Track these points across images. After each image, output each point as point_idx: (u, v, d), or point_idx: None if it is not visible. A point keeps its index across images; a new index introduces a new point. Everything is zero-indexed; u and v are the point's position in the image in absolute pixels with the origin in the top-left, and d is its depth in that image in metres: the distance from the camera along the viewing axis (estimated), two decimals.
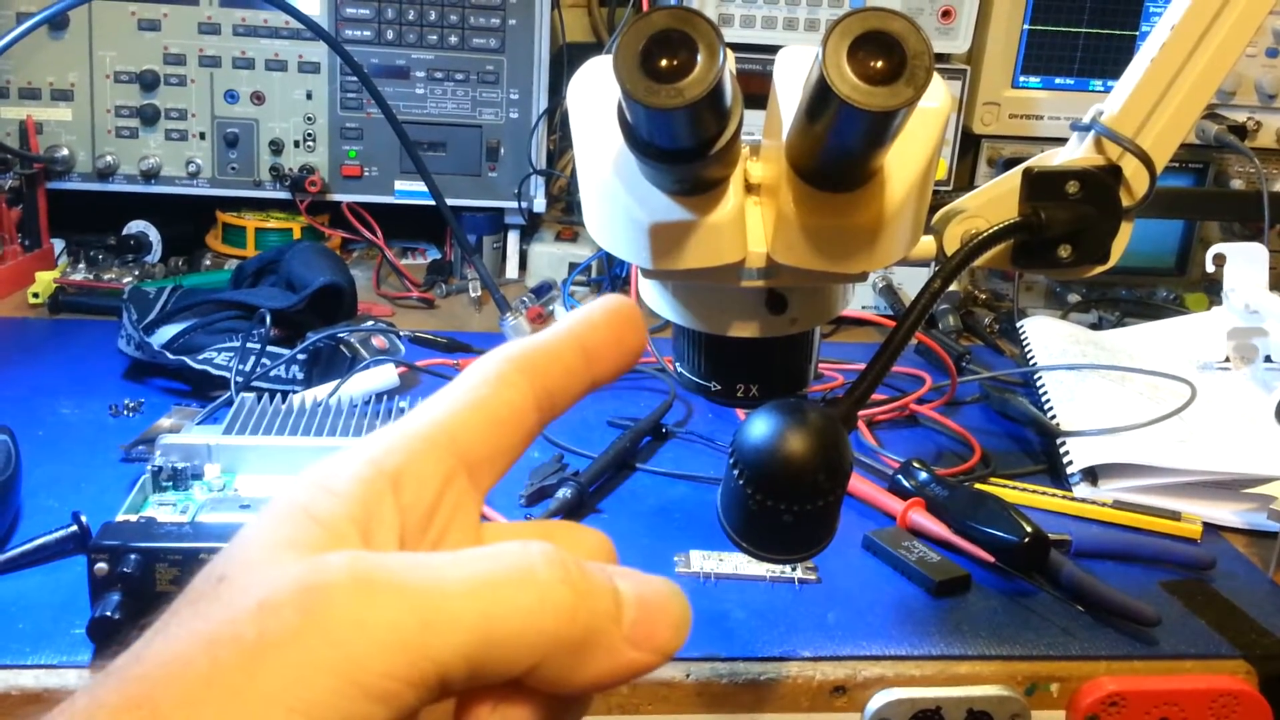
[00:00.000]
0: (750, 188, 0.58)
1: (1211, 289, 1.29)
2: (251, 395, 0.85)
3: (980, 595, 0.75)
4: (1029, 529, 0.76)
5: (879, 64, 0.46)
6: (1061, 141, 0.67)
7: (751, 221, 0.56)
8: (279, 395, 0.85)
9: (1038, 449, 0.97)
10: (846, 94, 0.46)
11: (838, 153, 0.51)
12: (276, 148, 1.28)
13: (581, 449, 0.91)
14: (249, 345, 0.93)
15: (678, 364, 0.65)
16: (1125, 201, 0.63)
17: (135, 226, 1.29)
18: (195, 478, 0.76)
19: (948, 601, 0.74)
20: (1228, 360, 1.08)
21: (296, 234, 1.29)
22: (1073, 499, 0.87)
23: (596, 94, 0.57)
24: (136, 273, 1.24)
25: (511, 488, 0.85)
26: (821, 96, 0.47)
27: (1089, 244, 0.63)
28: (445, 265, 1.34)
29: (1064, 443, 0.92)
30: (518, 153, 1.33)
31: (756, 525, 0.54)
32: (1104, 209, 0.62)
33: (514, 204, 1.33)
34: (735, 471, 0.52)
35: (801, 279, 0.56)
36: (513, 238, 1.37)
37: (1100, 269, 0.64)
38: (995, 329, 1.26)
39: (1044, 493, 0.87)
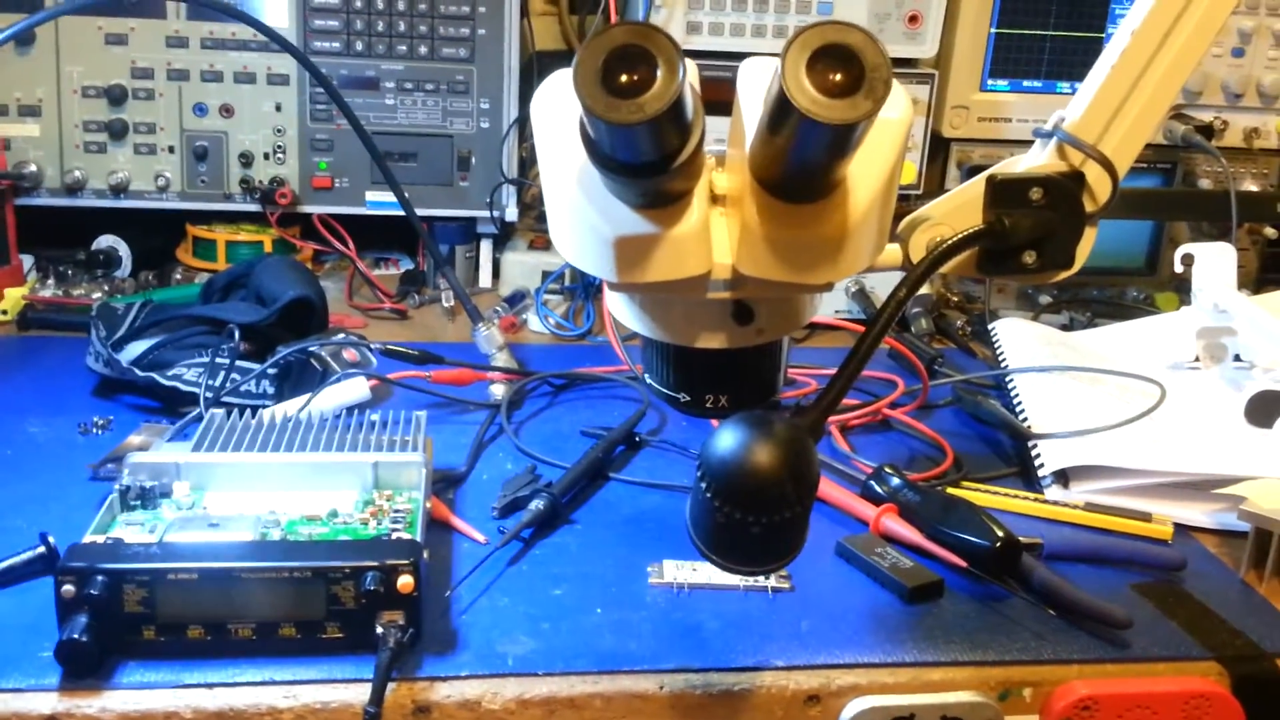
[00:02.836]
0: (715, 199, 0.58)
1: (1182, 288, 1.30)
2: (221, 412, 0.84)
3: (953, 601, 0.75)
4: (1000, 533, 0.76)
5: (837, 77, 0.46)
6: (1031, 145, 0.68)
7: (717, 233, 0.56)
8: (249, 411, 0.85)
9: (1010, 451, 0.97)
10: (805, 107, 0.46)
11: (799, 165, 0.51)
12: (246, 160, 1.28)
13: (554, 459, 0.91)
14: (218, 361, 0.93)
15: (647, 375, 0.65)
16: (1089, 207, 0.63)
17: (104, 241, 1.28)
18: (164, 496, 0.75)
19: (921, 608, 0.74)
20: (1198, 360, 1.09)
21: (267, 247, 1.29)
22: (1044, 501, 0.87)
23: (560, 108, 0.57)
24: (106, 288, 1.24)
25: (485, 499, 0.84)
26: (782, 109, 0.47)
27: (1053, 250, 0.64)
28: (418, 275, 1.34)
29: (1035, 445, 0.92)
30: (489, 162, 1.33)
31: (725, 538, 0.54)
32: (1067, 215, 0.63)
33: (486, 213, 1.33)
34: (703, 485, 0.52)
35: (767, 290, 0.56)
36: (485, 247, 1.36)
37: (1065, 274, 0.65)
38: (967, 331, 1.26)
39: (1016, 495, 0.88)
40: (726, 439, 0.52)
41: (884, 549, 0.78)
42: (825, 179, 0.52)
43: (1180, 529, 0.85)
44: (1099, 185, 0.63)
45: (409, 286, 1.31)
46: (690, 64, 0.59)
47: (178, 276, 1.27)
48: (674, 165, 0.50)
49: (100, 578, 0.62)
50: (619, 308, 0.62)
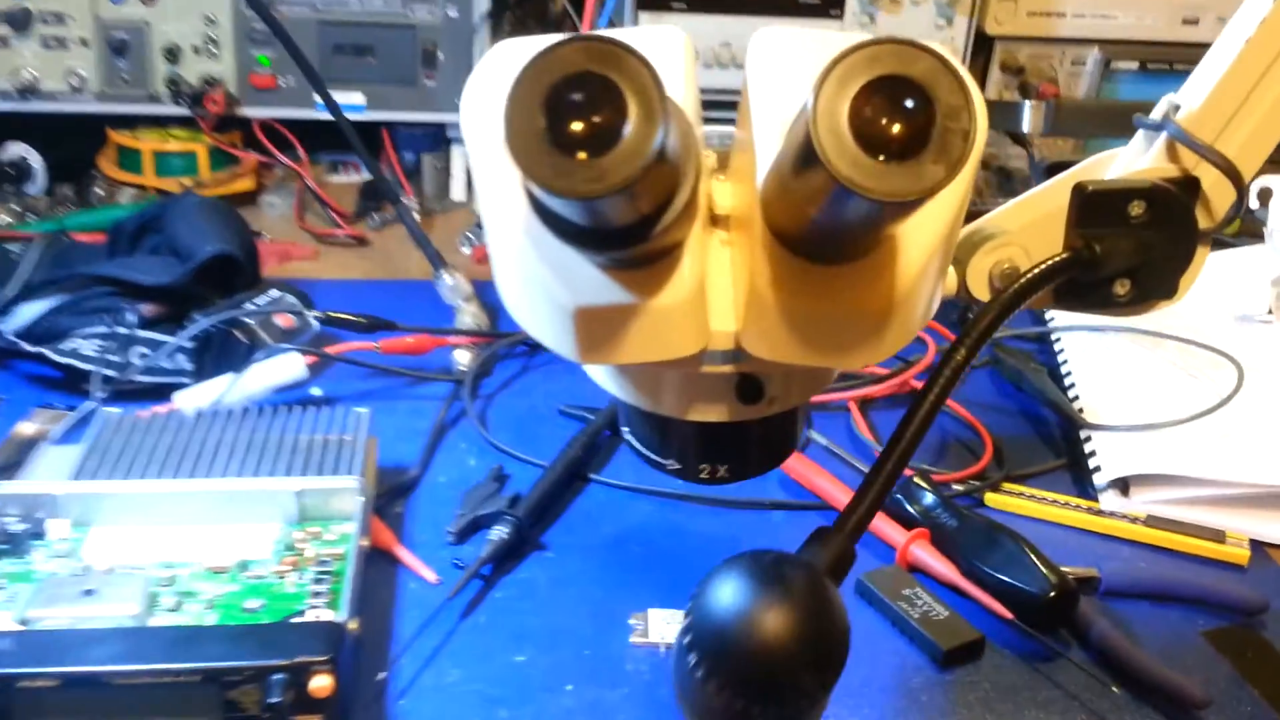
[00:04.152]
0: (715, 219, 0.42)
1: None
2: (116, 413, 0.70)
3: (993, 661, 0.62)
4: (1054, 580, 0.63)
5: (896, 127, 0.31)
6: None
7: (716, 285, 0.41)
8: (157, 402, 0.71)
9: (1056, 434, 0.84)
10: (846, 176, 0.30)
11: (830, 231, 0.36)
12: (172, 55, 1.10)
13: (527, 453, 0.77)
14: (119, 330, 0.78)
15: (625, 429, 0.51)
16: (1203, 223, 0.48)
17: (13, 150, 1.11)
18: (36, 538, 0.62)
19: (956, 672, 0.62)
20: (1270, 312, 0.94)
21: (202, 156, 1.12)
22: (1099, 513, 0.74)
23: (502, 99, 0.41)
24: (16, 206, 1.08)
25: (440, 513, 0.71)
26: (811, 166, 0.32)
27: (1154, 278, 0.48)
28: (380, 188, 1.17)
29: (1089, 437, 0.78)
30: (458, 58, 1.15)
31: None
32: (1176, 235, 0.48)
33: (456, 117, 1.16)
34: (691, 658, 0.39)
35: (784, 366, 0.42)
36: (458, 154, 1.19)
37: (1164, 305, 0.50)
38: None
39: (1066, 504, 0.74)
40: (723, 597, 0.38)
41: (913, 590, 0.65)
42: (865, 241, 0.37)
43: (1258, 548, 0.72)
44: (1217, 195, 0.48)
45: (369, 203, 1.15)
46: (688, 62, 0.43)
47: (99, 192, 1.11)
48: (655, 230, 0.35)
49: None
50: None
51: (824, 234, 0.36)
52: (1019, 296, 0.46)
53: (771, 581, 0.38)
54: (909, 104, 0.31)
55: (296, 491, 0.64)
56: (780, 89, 0.41)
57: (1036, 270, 0.46)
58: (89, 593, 0.57)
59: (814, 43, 0.43)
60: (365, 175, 1.22)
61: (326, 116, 1.10)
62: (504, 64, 0.43)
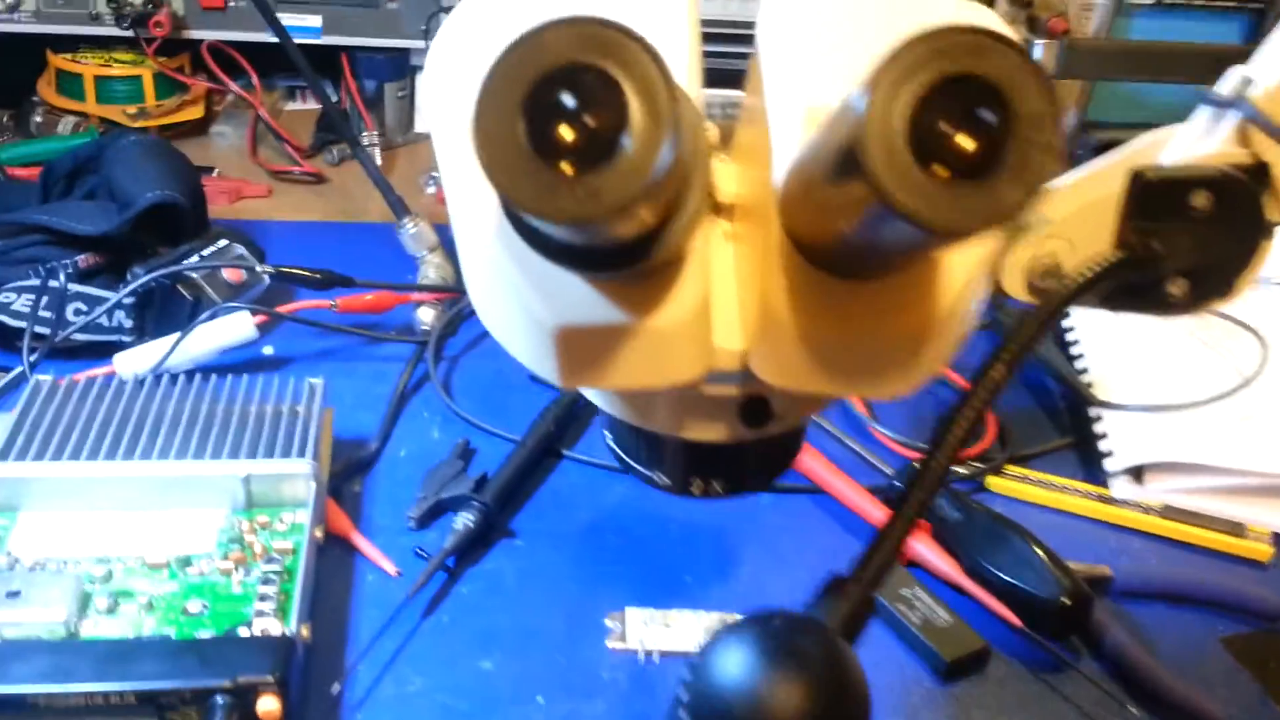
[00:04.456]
0: (718, 207, 0.36)
1: None
2: (48, 380, 0.64)
3: (999, 672, 0.58)
4: (1067, 585, 0.58)
5: (965, 141, 0.25)
6: None
7: (720, 289, 0.35)
8: (94, 370, 0.65)
9: (1061, 407, 0.79)
10: (901, 200, 0.24)
11: (866, 249, 0.30)
12: None
13: (494, 422, 0.72)
14: (53, 284, 0.71)
15: (608, 434, 0.45)
16: (1273, 215, 0.42)
17: None
18: None
19: (959, 685, 0.57)
20: None
21: (147, 82, 1.03)
22: (1110, 501, 0.69)
23: (474, 76, 0.34)
24: None
25: (401, 492, 0.65)
26: (851, 177, 0.26)
27: (1212, 277, 0.43)
28: (337, 119, 1.10)
29: (1099, 417, 0.73)
30: None
31: None
32: (1242, 230, 0.42)
33: (421, 43, 1.08)
34: None
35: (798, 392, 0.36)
36: (422, 82, 1.11)
37: (1219, 304, 0.44)
38: None
39: (1075, 490, 0.69)
40: (728, 671, 0.33)
41: (912, 591, 0.61)
42: (905, 260, 0.31)
43: None
44: None
45: (327, 135, 1.07)
46: (691, 15, 0.36)
47: (38, 119, 1.03)
48: (656, 249, 0.29)
49: None
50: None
51: (856, 250, 0.30)
52: (1066, 303, 0.40)
53: (782, 653, 0.32)
54: (983, 112, 0.25)
55: (243, 477, 0.58)
56: (802, 63, 0.35)
57: (1089, 273, 0.40)
58: (13, 595, 0.51)
59: (841, 5, 0.37)
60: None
61: (273, 39, 1.02)
62: (474, 24, 0.36)
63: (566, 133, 0.25)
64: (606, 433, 0.45)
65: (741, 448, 0.41)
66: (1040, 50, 0.95)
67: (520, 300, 0.33)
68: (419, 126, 1.12)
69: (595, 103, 0.24)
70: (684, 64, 0.35)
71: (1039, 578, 0.59)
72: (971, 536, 0.62)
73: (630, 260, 0.29)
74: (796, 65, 0.34)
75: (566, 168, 0.25)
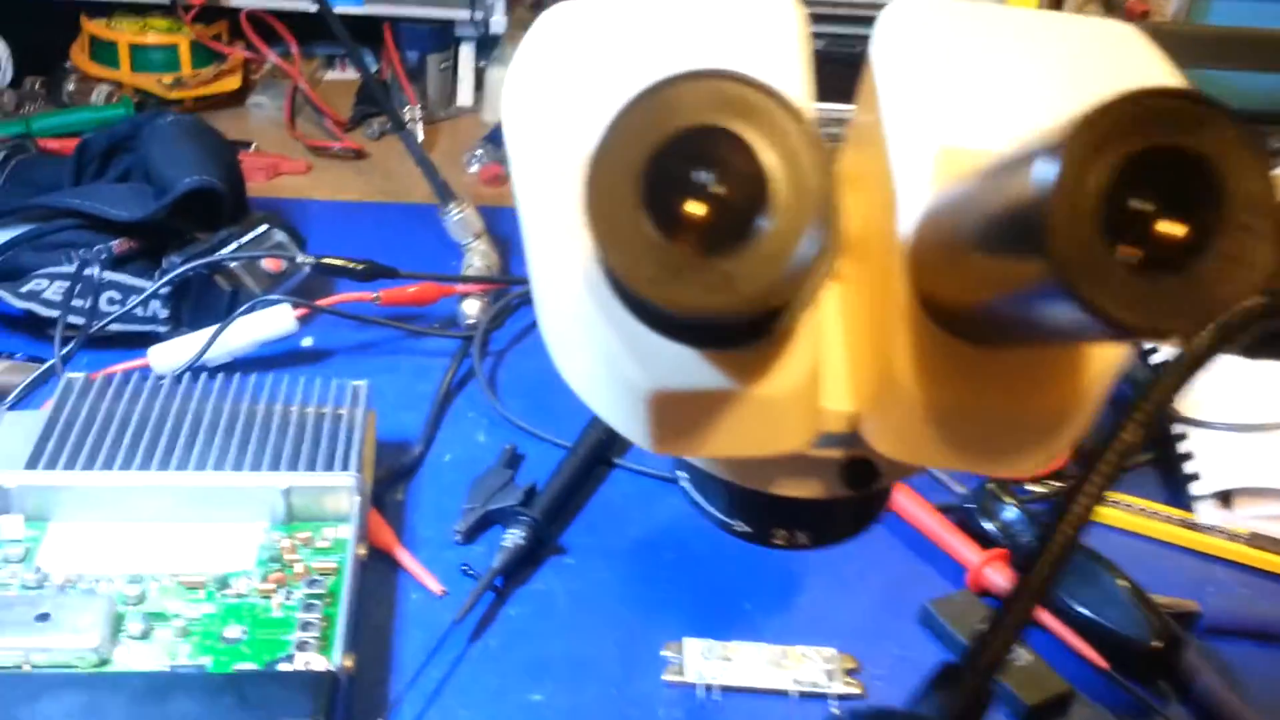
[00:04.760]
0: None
1: None
2: (80, 377, 0.61)
3: (1081, 715, 0.55)
4: (1157, 625, 0.55)
5: (1172, 229, 0.21)
6: None
7: (828, 342, 0.31)
8: (128, 362, 0.62)
9: None
10: (1095, 299, 0.21)
11: (1019, 324, 0.26)
12: None
13: (541, 423, 0.68)
14: (88, 272, 0.68)
15: (681, 476, 0.42)
16: None
17: None
18: None
19: None
20: None
21: (183, 50, 1.00)
22: (1195, 527, 0.65)
23: (566, 101, 0.30)
24: None
25: (446, 499, 0.62)
26: (1020, 252, 0.22)
27: None
28: (381, 95, 1.06)
29: (1184, 435, 0.69)
30: None
31: None
32: None
33: (466, 13, 1.03)
34: None
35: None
36: (465, 54, 1.07)
37: None
38: None
39: (1157, 514, 0.66)
40: None
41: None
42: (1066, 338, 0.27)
43: None
44: None
45: (367, 109, 1.03)
46: (803, 46, 0.32)
47: (71, 88, 0.99)
48: (780, 324, 0.25)
49: None
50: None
51: (1004, 323, 0.26)
52: (1205, 357, 0.36)
53: None
54: (1187, 191, 0.21)
55: (284, 490, 0.55)
56: (931, 93, 0.31)
57: (1231, 317, 0.36)
58: (43, 618, 0.48)
59: (978, 25, 0.33)
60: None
61: (313, 8, 0.98)
62: (559, 41, 0.32)
63: (696, 208, 0.21)
64: (680, 473, 0.42)
65: (834, 504, 0.38)
66: None
67: (609, 358, 0.29)
68: (461, 99, 1.08)
69: (731, 174, 0.21)
70: (800, 89, 0.31)
71: (1125, 616, 0.56)
72: None
73: (748, 339, 0.25)
74: (925, 94, 0.30)
75: (693, 248, 0.21)
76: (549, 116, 0.31)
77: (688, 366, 0.29)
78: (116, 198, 0.70)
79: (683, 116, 0.21)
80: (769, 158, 0.21)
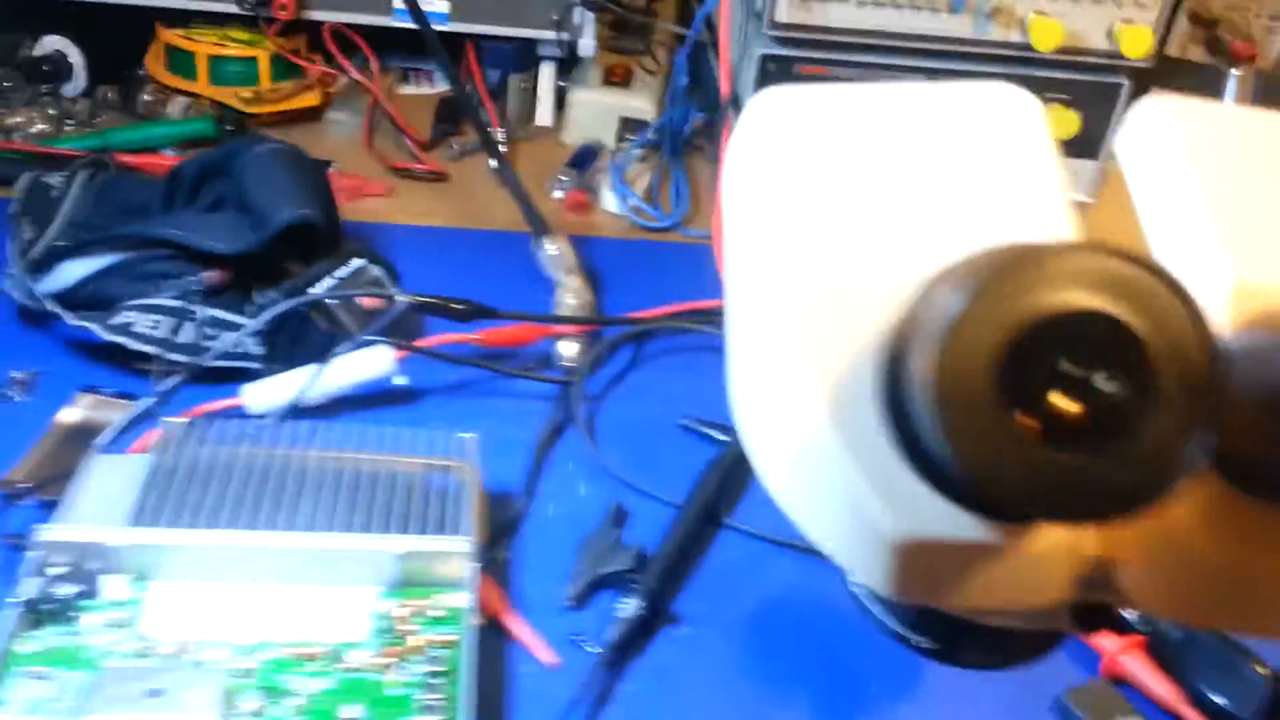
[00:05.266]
0: None
1: None
2: (180, 424, 0.59)
3: None
4: None
5: None
6: None
7: None
8: (222, 401, 0.59)
9: None
10: None
11: None
12: None
13: (643, 475, 0.66)
14: (183, 305, 0.66)
15: (853, 580, 0.39)
16: None
17: (50, 44, 0.97)
18: (86, 597, 0.51)
19: None
20: None
21: (263, 63, 0.97)
22: None
23: (802, 215, 0.28)
24: (52, 111, 0.94)
25: (551, 556, 0.60)
26: None
27: None
28: (458, 106, 1.03)
29: None
30: None
31: None
32: None
33: (551, 34, 1.01)
34: None
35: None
36: (546, 74, 1.05)
37: None
38: None
39: None
40: None
41: (1127, 718, 0.54)
42: None
43: None
44: None
45: (446, 127, 1.01)
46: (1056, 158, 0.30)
47: (147, 98, 0.97)
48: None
49: None
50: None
51: None
52: None
53: None
54: None
55: (401, 554, 0.53)
56: (1212, 215, 0.28)
57: None
58: (156, 693, 0.46)
59: (1235, 132, 0.30)
60: (440, 87, 1.08)
61: (401, 23, 0.96)
62: (781, 123, 0.30)
63: (1068, 404, 0.18)
64: (849, 579, 0.39)
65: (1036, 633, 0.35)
66: (1235, 83, 0.87)
67: (851, 498, 0.27)
68: (540, 119, 1.06)
69: (1111, 365, 0.18)
70: (1060, 196, 0.28)
71: (1266, 706, 0.53)
72: (1195, 658, 0.56)
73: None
74: (1202, 215, 0.28)
75: (1059, 447, 0.18)
76: (783, 227, 0.28)
77: (945, 515, 0.26)
78: (214, 228, 0.68)
79: (1056, 297, 0.18)
80: (1156, 347, 0.18)
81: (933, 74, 0.85)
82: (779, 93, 0.30)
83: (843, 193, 0.28)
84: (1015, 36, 0.86)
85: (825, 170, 0.29)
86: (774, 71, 0.86)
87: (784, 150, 0.29)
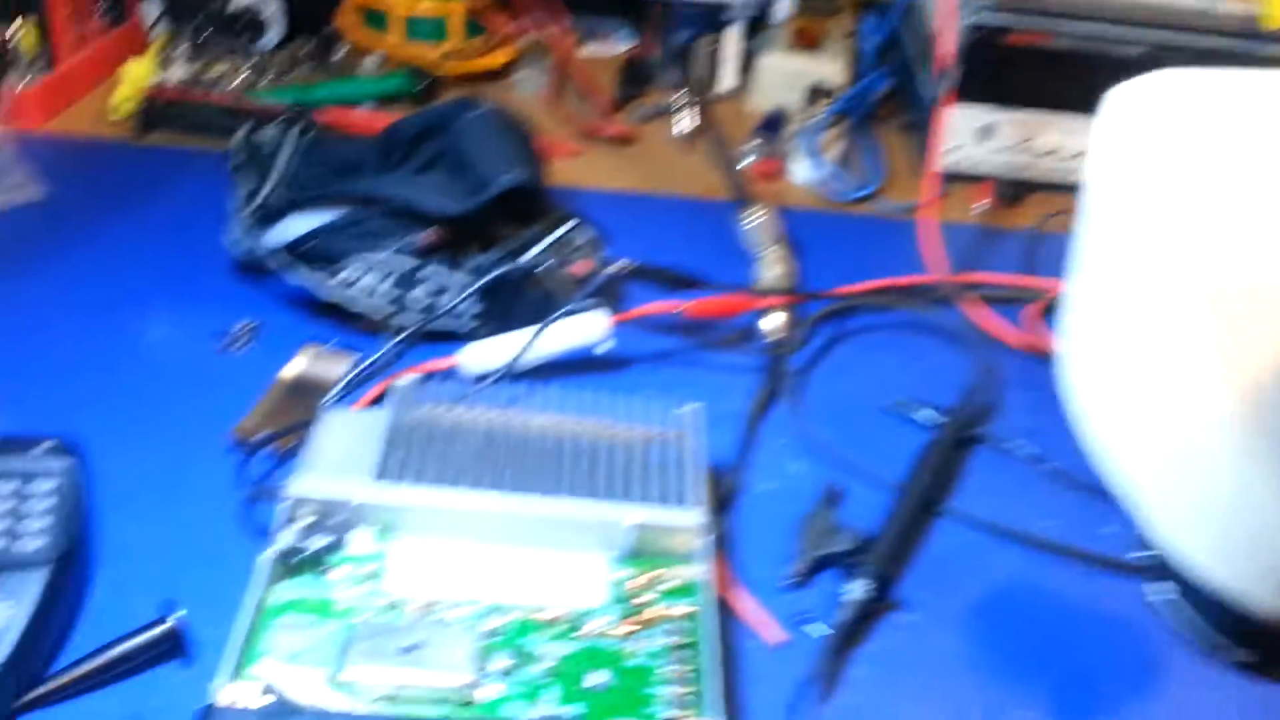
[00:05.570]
0: None
1: None
2: (409, 381, 0.59)
3: None
4: None
5: None
6: None
7: None
8: (441, 360, 0.60)
9: None
10: None
11: None
12: None
13: (855, 455, 0.65)
14: (407, 263, 0.67)
15: (1159, 584, 0.38)
16: None
17: None
18: (334, 551, 0.52)
19: None
20: None
21: (455, 21, 0.98)
22: None
23: (1201, 187, 0.26)
24: (247, 65, 0.96)
25: (764, 532, 0.59)
26: None
27: None
28: (642, 69, 1.02)
29: None
30: None
31: None
32: None
33: None
34: None
35: None
36: (733, 35, 1.03)
37: None
38: None
39: None
40: None
41: None
42: None
43: None
44: None
45: (631, 89, 1.00)
46: None
47: (340, 55, 0.98)
48: None
49: None
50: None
51: None
52: None
53: None
54: None
55: (637, 525, 0.53)
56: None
57: None
58: (408, 650, 0.47)
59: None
60: (620, 47, 1.07)
61: None
62: (1170, 108, 0.28)
63: None
64: (1160, 584, 0.38)
65: None
66: None
67: (1267, 521, 0.26)
68: (724, 83, 1.04)
69: None
70: None
71: None
72: None
73: None
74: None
75: None
76: (1180, 221, 0.27)
77: None
78: (431, 189, 0.68)
79: None
80: None
81: (1155, 47, 0.82)
82: (1166, 77, 0.29)
83: (1248, 186, 0.26)
84: (1244, 9, 0.82)
85: (1225, 161, 0.27)
86: (984, 40, 0.84)
87: (1177, 138, 0.28)
